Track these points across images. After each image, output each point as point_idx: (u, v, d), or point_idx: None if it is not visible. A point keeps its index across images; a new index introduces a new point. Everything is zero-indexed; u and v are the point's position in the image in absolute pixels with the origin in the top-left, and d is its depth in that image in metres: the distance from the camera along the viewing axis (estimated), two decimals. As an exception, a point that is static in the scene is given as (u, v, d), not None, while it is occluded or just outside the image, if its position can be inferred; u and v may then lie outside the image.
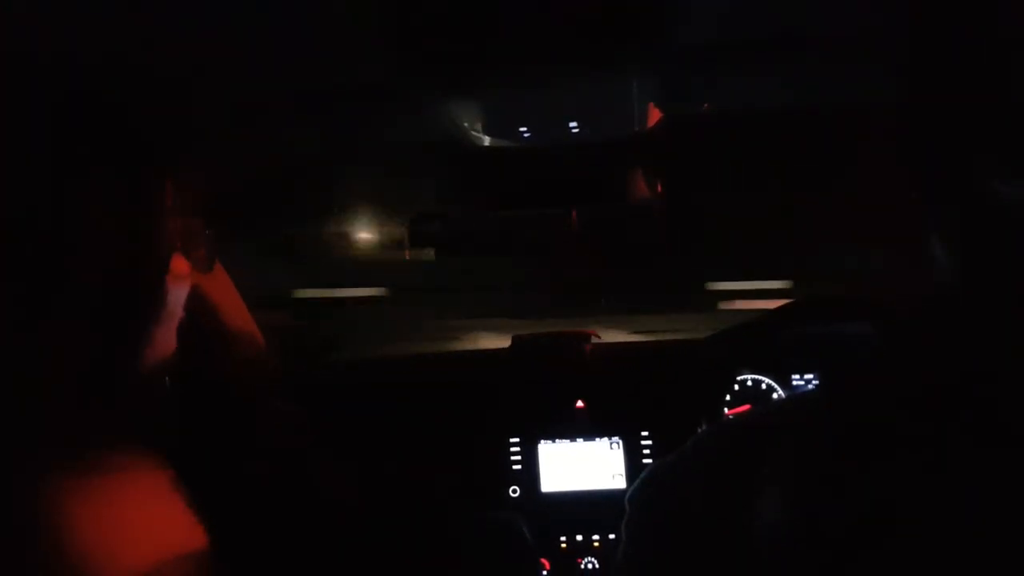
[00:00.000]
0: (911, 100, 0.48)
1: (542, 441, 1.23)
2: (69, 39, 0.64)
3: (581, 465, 1.22)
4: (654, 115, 0.95)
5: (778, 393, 1.25)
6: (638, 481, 0.60)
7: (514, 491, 1.22)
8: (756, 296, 1.57)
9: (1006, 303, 0.44)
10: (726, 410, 1.24)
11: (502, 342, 1.33)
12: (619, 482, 1.21)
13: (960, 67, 0.44)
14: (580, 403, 1.25)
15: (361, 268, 1.48)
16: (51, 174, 0.63)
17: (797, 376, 1.25)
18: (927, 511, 0.43)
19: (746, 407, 1.24)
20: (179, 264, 0.74)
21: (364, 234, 1.43)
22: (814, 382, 1.25)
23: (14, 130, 0.62)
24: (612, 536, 1.19)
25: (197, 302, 0.91)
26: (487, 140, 0.98)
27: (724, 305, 1.61)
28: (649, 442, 1.22)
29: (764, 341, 1.26)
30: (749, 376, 1.25)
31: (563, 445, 1.23)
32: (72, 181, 0.64)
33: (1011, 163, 0.42)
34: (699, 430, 1.03)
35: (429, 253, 1.36)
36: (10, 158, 0.61)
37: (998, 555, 0.41)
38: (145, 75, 0.70)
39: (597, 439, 1.23)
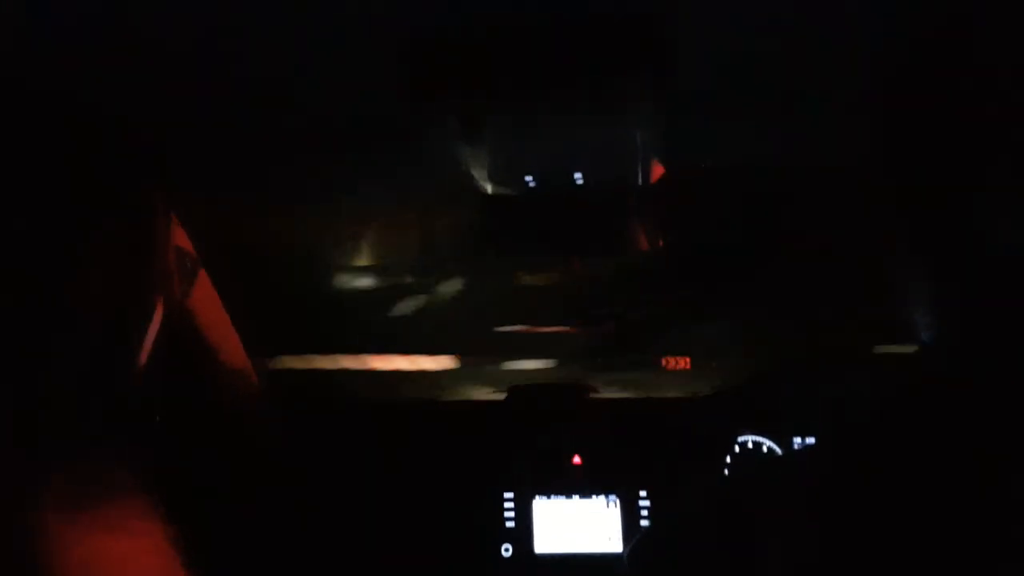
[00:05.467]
0: (902, 155, 0.48)
1: (537, 497, 1.20)
2: (73, 73, 0.64)
3: (577, 524, 1.19)
4: (658, 170, 0.95)
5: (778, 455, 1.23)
6: (637, 539, 0.60)
7: (507, 549, 1.18)
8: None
9: (1006, 355, 0.44)
10: (726, 471, 1.22)
11: (498, 393, 1.31)
12: (615, 544, 1.17)
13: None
14: (577, 458, 1.23)
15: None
16: (51, 207, 0.63)
17: (798, 439, 1.23)
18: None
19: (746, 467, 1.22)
20: (174, 299, 0.73)
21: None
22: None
23: (14, 161, 0.62)
24: (607, 600, 1.15)
25: (192, 337, 0.90)
26: (490, 188, 0.98)
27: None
28: (647, 502, 1.19)
29: (764, 401, 1.24)
30: (750, 437, 1.23)
31: (559, 502, 1.20)
32: (72, 214, 0.63)
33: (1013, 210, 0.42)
34: (699, 490, 1.01)
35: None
36: (10, 188, 0.61)
37: None
38: (149, 108, 0.70)
39: (594, 496, 1.19)
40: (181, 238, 0.80)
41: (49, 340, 0.62)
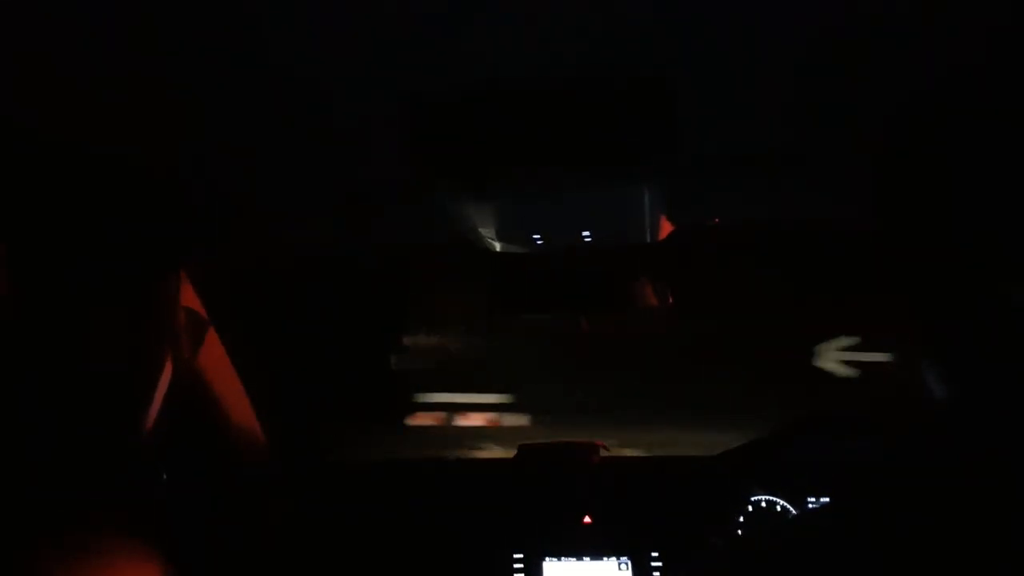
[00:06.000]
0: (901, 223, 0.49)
1: (547, 558, 1.18)
2: (97, 137, 0.66)
3: (587, 586, 1.16)
4: (666, 227, 0.96)
5: (792, 515, 1.20)
6: None
7: (516, 612, 1.15)
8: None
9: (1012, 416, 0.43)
10: (739, 531, 1.19)
11: (507, 452, 1.30)
12: (627, 607, 1.14)
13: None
14: (587, 518, 1.20)
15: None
16: (68, 264, 0.64)
17: (812, 498, 1.21)
18: None
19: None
20: (183, 358, 0.74)
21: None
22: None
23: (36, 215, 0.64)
24: (619, 667, 1.11)
25: (200, 394, 0.91)
26: (499, 246, 0.99)
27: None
28: (659, 563, 1.16)
29: (776, 459, 1.22)
30: (763, 497, 1.21)
31: (569, 564, 1.17)
32: (86, 272, 0.65)
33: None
34: (711, 551, 0.98)
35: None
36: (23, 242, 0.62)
37: None
38: (162, 172, 0.72)
39: (605, 559, 1.17)
40: (190, 298, 0.81)
41: (59, 395, 0.63)
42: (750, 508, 1.20)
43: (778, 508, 1.20)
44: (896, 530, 0.46)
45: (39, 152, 0.63)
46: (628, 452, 1.41)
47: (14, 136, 0.61)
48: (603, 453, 1.28)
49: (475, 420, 1.70)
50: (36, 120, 0.60)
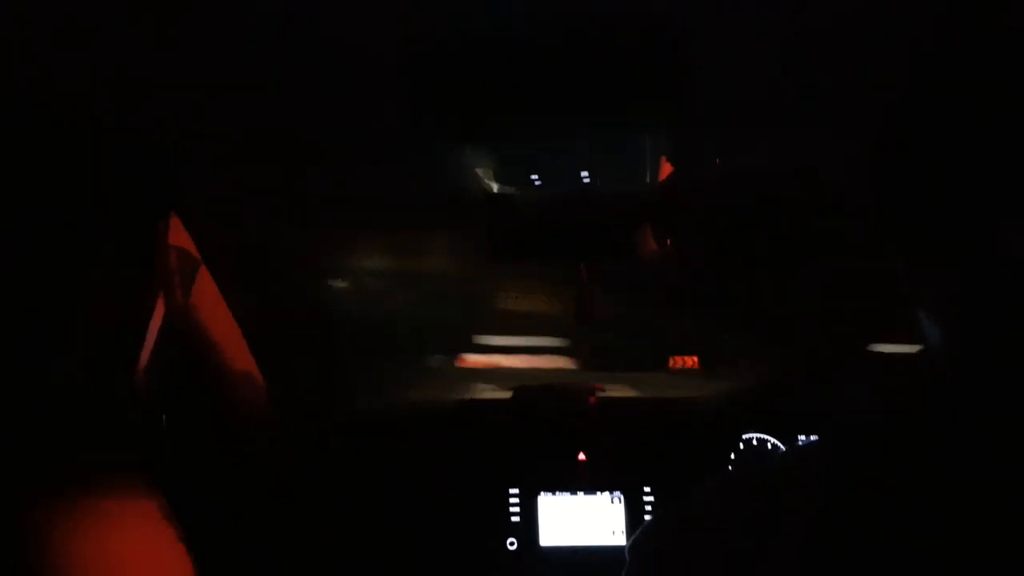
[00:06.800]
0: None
1: (542, 493, 1.21)
2: (81, 80, 0.65)
3: (581, 519, 1.20)
4: (666, 169, 0.96)
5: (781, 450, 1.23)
6: (639, 531, 0.60)
7: (512, 543, 1.19)
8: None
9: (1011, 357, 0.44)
10: (730, 468, 1.23)
11: (504, 393, 1.33)
12: (619, 538, 1.18)
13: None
14: (582, 456, 1.24)
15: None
16: (54, 209, 0.64)
17: (803, 437, 1.24)
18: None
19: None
20: (175, 299, 0.74)
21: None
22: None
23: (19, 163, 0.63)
24: (610, 595, 1.16)
25: (198, 341, 0.91)
26: (496, 188, 0.99)
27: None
28: (651, 498, 1.20)
29: (770, 401, 1.25)
30: (755, 436, 1.24)
31: (563, 498, 1.21)
32: (75, 216, 0.64)
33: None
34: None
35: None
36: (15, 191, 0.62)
37: None
38: (156, 115, 0.71)
39: (598, 493, 1.21)
40: (182, 239, 0.81)
41: (52, 338, 0.63)
42: (742, 447, 1.23)
43: (769, 447, 1.23)
44: (886, 464, 0.47)
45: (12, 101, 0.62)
46: (624, 393, 1.44)
47: None
48: (599, 394, 1.30)
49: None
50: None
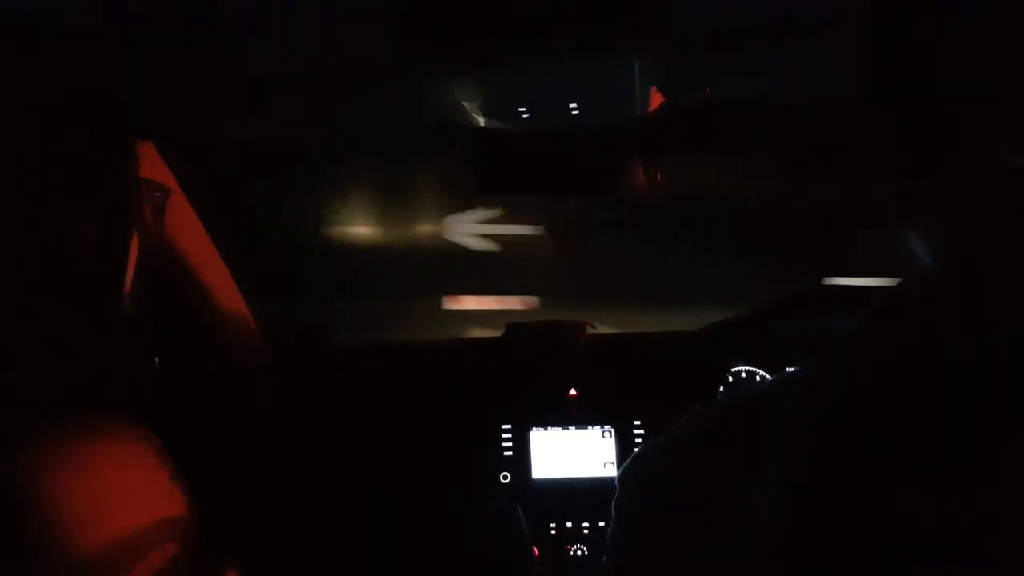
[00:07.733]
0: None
1: (534, 428, 1.23)
2: (61, 13, 0.62)
3: (572, 453, 1.22)
4: (656, 100, 0.94)
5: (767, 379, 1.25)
6: (629, 459, 0.60)
7: (505, 477, 1.22)
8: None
9: (995, 284, 0.43)
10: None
11: (495, 331, 1.33)
12: (610, 470, 1.20)
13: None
14: (573, 391, 1.25)
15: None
16: (37, 146, 0.62)
17: (791, 369, 1.25)
18: (921, 490, 0.42)
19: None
20: (148, 228, 0.73)
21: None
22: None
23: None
24: (602, 524, 1.18)
25: (187, 282, 0.90)
26: (483, 121, 0.97)
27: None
28: (641, 431, 1.21)
29: (758, 334, 1.26)
30: (743, 368, 1.25)
31: (555, 433, 1.23)
32: (36, 149, 0.62)
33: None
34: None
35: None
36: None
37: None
38: (136, 50, 0.69)
39: (589, 427, 1.22)
40: (148, 169, 0.79)
41: (26, 275, 0.62)
42: (730, 379, 1.25)
43: (757, 378, 1.25)
44: (870, 391, 0.47)
45: None
46: (614, 330, 1.45)
47: None
48: (589, 331, 1.31)
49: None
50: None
